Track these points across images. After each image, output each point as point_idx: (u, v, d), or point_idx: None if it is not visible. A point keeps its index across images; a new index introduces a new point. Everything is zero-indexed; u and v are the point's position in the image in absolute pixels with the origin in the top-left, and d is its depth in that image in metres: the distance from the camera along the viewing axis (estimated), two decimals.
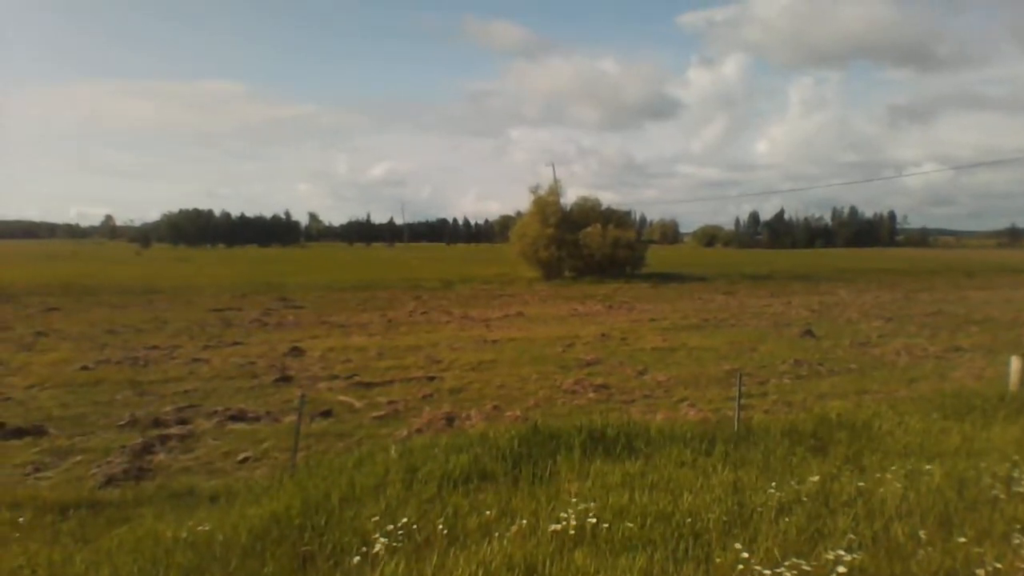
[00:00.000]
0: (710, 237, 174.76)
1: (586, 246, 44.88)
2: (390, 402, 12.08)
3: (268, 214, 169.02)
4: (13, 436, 9.85)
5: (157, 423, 10.70)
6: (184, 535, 5.45)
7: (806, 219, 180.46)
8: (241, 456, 9.27)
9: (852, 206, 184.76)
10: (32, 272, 43.34)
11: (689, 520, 5.32)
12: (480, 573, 4.46)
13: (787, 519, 5.37)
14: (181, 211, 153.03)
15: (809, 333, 20.49)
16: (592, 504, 5.59)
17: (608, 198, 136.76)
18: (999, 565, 4.43)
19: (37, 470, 8.66)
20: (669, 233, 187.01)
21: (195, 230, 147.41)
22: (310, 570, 4.76)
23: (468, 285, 39.16)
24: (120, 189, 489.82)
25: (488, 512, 5.62)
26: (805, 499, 5.85)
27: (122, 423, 10.64)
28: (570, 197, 49.78)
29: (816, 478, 6.42)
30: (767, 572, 4.32)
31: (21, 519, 6.51)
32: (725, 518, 5.39)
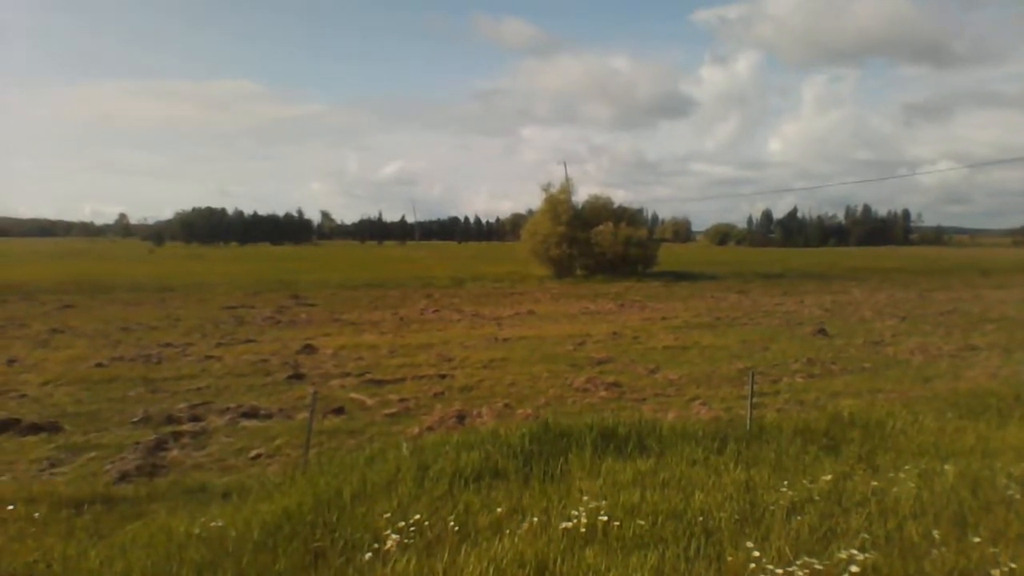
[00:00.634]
0: (723, 235, 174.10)
1: (598, 244, 44.71)
2: (402, 399, 12.10)
3: (281, 212, 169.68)
4: (29, 432, 9.94)
5: (170, 420, 10.76)
6: (197, 531, 5.48)
7: (819, 217, 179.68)
8: (253, 453, 9.31)
9: (866, 204, 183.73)
10: (47, 270, 43.70)
11: (701, 518, 5.31)
12: (491, 570, 4.47)
13: (799, 518, 5.35)
14: (194, 209, 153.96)
15: (822, 332, 20.37)
16: (603, 502, 5.59)
17: (620, 196, 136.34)
18: (1014, 566, 4.40)
19: (52, 466, 8.73)
20: (681, 231, 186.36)
21: (208, 228, 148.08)
22: (322, 566, 4.78)
23: (479, 283, 39.17)
24: (134, 188, 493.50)
25: (499, 509, 5.63)
26: (817, 498, 5.83)
27: (136, 420, 10.71)
28: (582, 195, 49.97)
29: (829, 477, 6.39)
30: (779, 571, 4.31)
31: (37, 514, 6.56)
32: (737, 517, 5.38)
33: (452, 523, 5.29)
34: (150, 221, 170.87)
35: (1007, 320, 23.74)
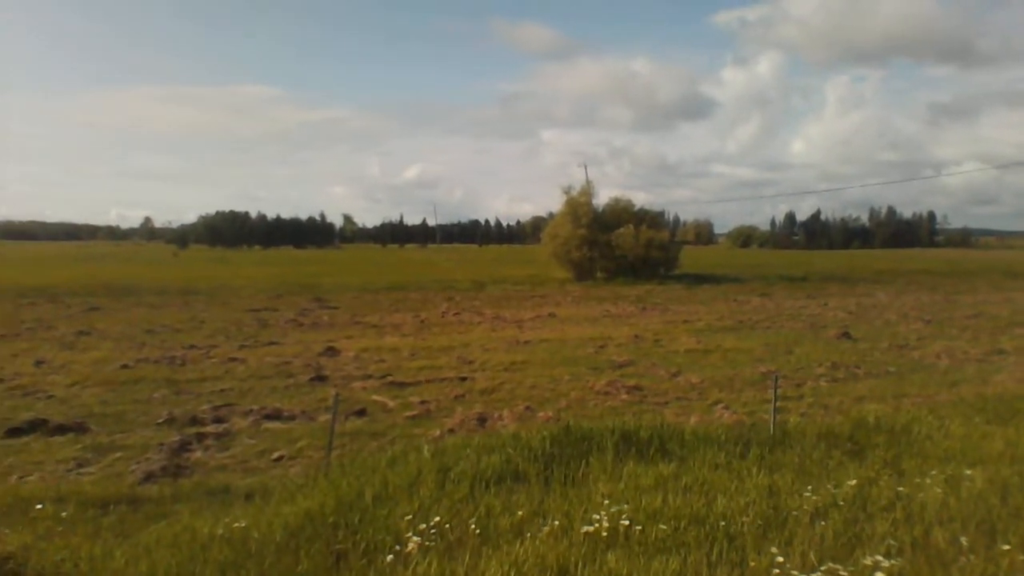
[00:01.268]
0: (745, 238, 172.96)
1: (618, 247, 44.52)
2: (423, 402, 12.14)
3: (303, 216, 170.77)
4: (57, 432, 10.08)
5: (194, 421, 10.87)
6: (220, 531, 5.53)
7: (843, 219, 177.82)
8: (276, 454, 9.38)
9: (890, 206, 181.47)
10: (74, 273, 44.39)
11: (723, 523, 5.28)
12: (512, 573, 4.47)
13: (823, 523, 5.30)
14: (218, 213, 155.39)
15: (846, 335, 20.15)
16: (625, 506, 5.57)
17: (641, 199, 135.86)
18: None
19: (79, 466, 8.85)
20: (703, 234, 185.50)
21: (232, 232, 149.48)
22: (344, 568, 4.81)
23: (500, 286, 39.19)
24: (158, 192, 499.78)
25: (520, 512, 5.63)
26: (842, 503, 5.77)
27: (160, 421, 10.83)
28: (602, 198, 49.58)
29: (853, 482, 6.32)
30: None
31: (64, 513, 6.65)
32: (760, 522, 5.34)
33: (473, 526, 5.29)
34: (175, 225, 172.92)
35: None
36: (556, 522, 5.31)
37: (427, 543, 5.00)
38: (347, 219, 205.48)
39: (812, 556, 4.67)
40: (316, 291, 34.76)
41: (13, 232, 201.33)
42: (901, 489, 6.13)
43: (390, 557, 4.84)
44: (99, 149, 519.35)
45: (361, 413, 11.39)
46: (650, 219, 47.67)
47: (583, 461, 7.16)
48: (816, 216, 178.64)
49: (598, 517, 5.25)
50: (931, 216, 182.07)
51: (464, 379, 14.12)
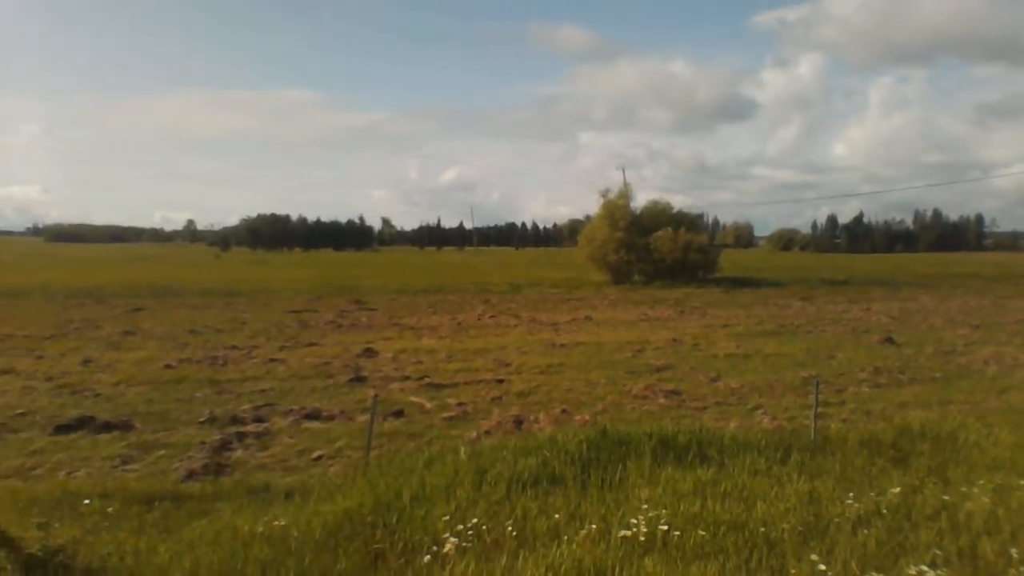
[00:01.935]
0: (786, 241, 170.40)
1: (656, 250, 44.17)
2: (459, 403, 12.19)
3: (343, 219, 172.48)
4: (103, 430, 10.34)
5: (235, 420, 11.06)
6: (261, 529, 5.61)
7: (886, 222, 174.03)
8: (315, 454, 9.49)
9: (936, 209, 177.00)
10: (119, 274, 45.54)
11: (763, 529, 5.21)
12: None
13: (866, 531, 5.21)
14: (259, 216, 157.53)
15: (890, 340, 19.74)
16: (663, 511, 5.53)
17: (679, 201, 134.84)
18: None
19: (124, 463, 9.06)
20: (743, 237, 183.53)
21: (273, 234, 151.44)
22: (382, 567, 4.85)
23: (536, 289, 39.18)
24: (201, 195, 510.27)
25: (557, 516, 5.62)
26: (885, 511, 5.66)
27: (202, 420, 11.03)
28: (640, 200, 49.28)
29: (897, 490, 6.20)
30: None
31: (110, 509, 6.82)
32: (800, 528, 5.26)
33: (510, 528, 5.29)
34: (217, 227, 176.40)
35: None
36: (593, 526, 5.29)
37: (464, 544, 5.02)
38: (385, 222, 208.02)
39: (854, 564, 4.59)
40: (355, 293, 35.13)
41: (62, 234, 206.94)
42: (947, 498, 5.99)
43: (427, 557, 4.87)
44: (144, 153, 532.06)
45: (399, 414, 11.48)
46: (689, 222, 47.22)
47: (620, 465, 7.12)
48: (859, 219, 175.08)
49: (636, 522, 5.22)
50: (979, 219, 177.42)
51: (500, 381, 14.14)
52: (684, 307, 30.30)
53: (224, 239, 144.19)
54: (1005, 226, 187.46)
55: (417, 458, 7.95)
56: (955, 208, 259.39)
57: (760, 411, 11.76)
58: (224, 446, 9.72)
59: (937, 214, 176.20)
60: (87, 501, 6.94)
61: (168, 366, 15.33)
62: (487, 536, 5.20)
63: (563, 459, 7.24)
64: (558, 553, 4.78)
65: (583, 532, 5.20)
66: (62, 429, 10.31)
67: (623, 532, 5.08)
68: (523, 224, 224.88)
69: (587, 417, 11.18)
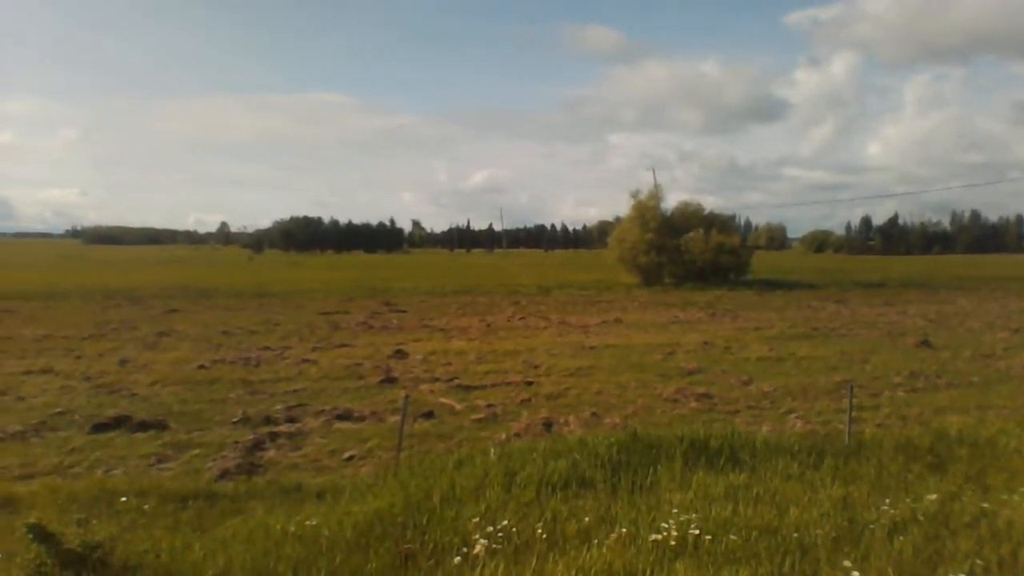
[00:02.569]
0: (820, 242, 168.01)
1: (687, 252, 43.86)
2: (489, 405, 12.20)
3: (374, 221, 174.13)
4: (139, 429, 10.53)
5: (268, 421, 11.19)
6: (293, 528, 5.67)
7: (922, 224, 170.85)
8: (347, 454, 9.57)
9: (974, 210, 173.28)
10: (155, 276, 46.36)
11: (796, 535, 5.14)
12: None
13: (902, 538, 5.11)
14: (292, 218, 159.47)
15: (926, 344, 19.37)
16: (694, 515, 5.48)
17: (711, 202, 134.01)
18: None
19: (160, 461, 9.22)
20: (776, 238, 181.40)
21: (305, 236, 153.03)
22: (412, 568, 4.86)
23: (566, 291, 39.07)
24: (234, 198, 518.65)
25: (587, 519, 5.60)
26: (922, 518, 5.55)
27: (235, 420, 11.18)
28: (671, 202, 49.06)
29: (934, 496, 6.07)
30: None
31: (146, 507, 6.96)
32: (834, 534, 5.19)
33: (540, 530, 5.29)
34: (250, 230, 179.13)
35: None
36: (624, 529, 5.26)
37: (494, 546, 5.02)
38: (415, 224, 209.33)
39: (890, 572, 4.51)
40: (386, 295, 35.35)
41: (100, 237, 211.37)
42: (986, 505, 5.86)
43: (457, 559, 4.88)
44: (178, 156, 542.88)
45: (429, 415, 11.52)
46: (720, 223, 46.78)
47: (651, 469, 7.07)
48: (894, 220, 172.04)
49: (667, 526, 5.18)
50: (1019, 220, 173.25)
51: (530, 383, 14.13)
52: (716, 309, 30.01)
53: (257, 241, 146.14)
54: None
55: (447, 459, 7.98)
56: (994, 209, 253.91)
57: (793, 415, 11.61)
58: (257, 446, 9.84)
59: (975, 215, 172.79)
60: (124, 499, 7.09)
61: (202, 367, 15.56)
62: (517, 538, 5.19)
63: (593, 462, 7.21)
64: (588, 556, 4.76)
65: (613, 535, 5.17)
66: (100, 428, 10.52)
67: (654, 536, 5.04)
68: (552, 226, 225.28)
69: (617, 420, 11.13)
